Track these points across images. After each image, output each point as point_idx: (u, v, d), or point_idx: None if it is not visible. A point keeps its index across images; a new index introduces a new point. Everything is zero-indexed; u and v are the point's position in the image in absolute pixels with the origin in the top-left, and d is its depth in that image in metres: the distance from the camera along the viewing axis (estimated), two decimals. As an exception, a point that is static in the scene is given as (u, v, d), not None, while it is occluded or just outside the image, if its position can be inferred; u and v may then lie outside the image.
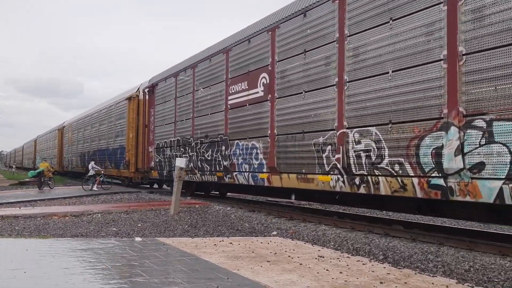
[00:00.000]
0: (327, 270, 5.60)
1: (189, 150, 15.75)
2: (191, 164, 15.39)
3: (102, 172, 22.68)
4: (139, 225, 10.21)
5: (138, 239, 7.89)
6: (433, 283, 5.02)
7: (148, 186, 24.84)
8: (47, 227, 9.97)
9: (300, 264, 5.95)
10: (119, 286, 4.58)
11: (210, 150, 14.31)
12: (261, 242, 7.74)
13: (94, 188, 20.86)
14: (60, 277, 4.91)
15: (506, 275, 5.69)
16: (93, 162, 22.66)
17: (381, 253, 7.12)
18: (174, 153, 17.00)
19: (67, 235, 8.87)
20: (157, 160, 18.94)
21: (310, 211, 12.93)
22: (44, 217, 11.52)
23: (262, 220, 10.80)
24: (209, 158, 14.37)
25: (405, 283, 5.02)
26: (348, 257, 6.60)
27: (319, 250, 7.09)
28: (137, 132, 21.81)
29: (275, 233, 9.34)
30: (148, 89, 20.53)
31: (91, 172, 21.66)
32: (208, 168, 14.44)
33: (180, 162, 12.56)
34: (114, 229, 9.71)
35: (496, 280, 5.56)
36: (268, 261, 6.05)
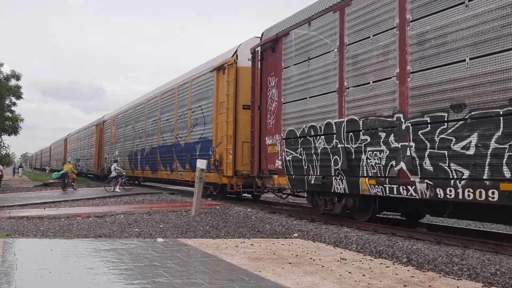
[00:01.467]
0: (349, 272, 5.54)
1: (394, 139, 8.45)
2: (404, 165, 8.21)
3: (124, 173, 22.93)
4: (161, 226, 10.28)
5: (160, 239, 7.95)
6: (458, 286, 4.93)
7: (251, 197, 17.86)
8: (71, 227, 10.12)
9: (322, 266, 5.90)
10: (142, 287, 4.62)
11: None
12: (282, 244, 7.71)
13: (117, 189, 21.13)
14: (84, 277, 4.97)
15: (535, 279, 5.55)
16: (115, 164, 22.87)
17: (404, 256, 7.01)
18: (340, 145, 9.73)
19: (90, 236, 8.99)
20: (288, 159, 11.52)
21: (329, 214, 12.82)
22: (68, 217, 11.71)
23: (283, 222, 10.76)
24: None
25: (430, 286, 4.94)
26: (371, 259, 6.53)
27: (341, 253, 7.03)
28: (235, 117, 14.72)
29: (296, 235, 9.30)
30: (262, 47, 12.96)
31: (113, 174, 21.93)
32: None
33: (201, 164, 12.62)
34: (136, 229, 9.80)
35: (524, 284, 5.42)
36: (289, 263, 6.03)
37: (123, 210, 12.85)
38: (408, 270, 5.78)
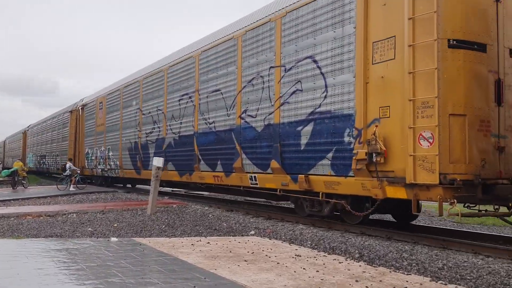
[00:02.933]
0: (304, 269, 5.64)
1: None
2: None
3: (78, 171, 22.32)
4: (115, 225, 10.10)
5: (114, 239, 7.80)
6: (407, 281, 5.10)
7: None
8: (20, 227, 9.77)
9: (278, 263, 5.97)
10: (94, 287, 4.53)
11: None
12: (239, 242, 7.74)
13: (71, 188, 20.53)
14: (33, 278, 4.82)
15: (478, 273, 5.83)
16: (70, 163, 22.17)
17: (357, 251, 7.20)
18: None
19: (41, 235, 8.72)
20: None
21: (288, 210, 12.99)
22: (17, 217, 11.29)
23: (240, 220, 10.81)
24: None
25: (380, 281, 5.10)
26: (324, 255, 6.66)
27: (296, 249, 7.13)
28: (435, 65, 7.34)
29: (253, 232, 9.36)
30: None
31: (67, 172, 21.29)
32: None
33: (158, 162, 12.47)
34: (89, 229, 9.58)
35: (468, 278, 5.69)
36: (245, 261, 6.06)
37: (76, 209, 12.52)
38: (360, 266, 5.94)
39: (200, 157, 13.58)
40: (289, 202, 14.35)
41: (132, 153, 18.76)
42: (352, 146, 8.49)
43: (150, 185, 16.79)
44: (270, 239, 8.39)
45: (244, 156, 11.58)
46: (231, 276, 5.16)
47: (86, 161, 25.27)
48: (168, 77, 15.97)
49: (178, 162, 14.99)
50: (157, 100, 16.76)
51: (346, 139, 8.65)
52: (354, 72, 8.55)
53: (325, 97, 9.23)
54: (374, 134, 7.94)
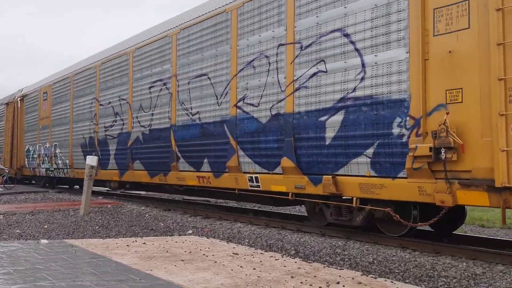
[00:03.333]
0: (241, 266, 5.69)
1: None
2: None
3: (6, 171, 21.12)
4: (46, 226, 9.67)
5: (44, 241, 7.47)
6: (340, 276, 5.29)
7: None
8: None
9: (215, 262, 5.98)
10: (22, 292, 4.32)
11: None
12: (176, 241, 7.67)
13: None
14: (-47, 285, 4.52)
15: (406, 266, 6.15)
16: None
17: (292, 248, 7.36)
18: None
19: (-38, 239, 8.18)
20: None
21: (226, 209, 13.03)
22: None
23: (178, 219, 10.70)
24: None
25: (315, 276, 5.24)
26: (261, 253, 6.75)
27: (234, 248, 7.17)
28: None
29: (190, 231, 9.30)
30: None
31: None
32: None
33: (91, 160, 12.07)
34: (17, 231, 9.11)
35: (396, 271, 5.98)
36: (182, 260, 6.02)
37: (3, 210, 11.85)
38: (295, 262, 6.08)
39: (179, 155, 11.53)
40: (225, 201, 14.57)
41: (86, 150, 16.27)
42: (404, 139, 6.80)
43: (106, 187, 16.56)
44: (208, 238, 8.38)
45: (241, 153, 9.62)
46: (167, 276, 5.10)
47: (26, 159, 22.43)
48: (134, 61, 13.75)
49: (148, 160, 12.78)
50: (120, 88, 14.47)
51: (396, 130, 6.93)
52: (407, 46, 6.84)
53: (362, 79, 7.43)
54: (444, 123, 6.23)
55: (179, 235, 8.92)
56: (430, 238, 7.96)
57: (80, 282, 4.74)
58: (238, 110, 9.76)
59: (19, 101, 23.58)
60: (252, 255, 6.55)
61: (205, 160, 10.69)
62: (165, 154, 12.00)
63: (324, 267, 5.84)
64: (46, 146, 20.19)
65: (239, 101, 9.77)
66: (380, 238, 7.84)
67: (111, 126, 14.87)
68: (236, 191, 9.95)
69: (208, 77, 10.77)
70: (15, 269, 5.26)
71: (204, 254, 6.51)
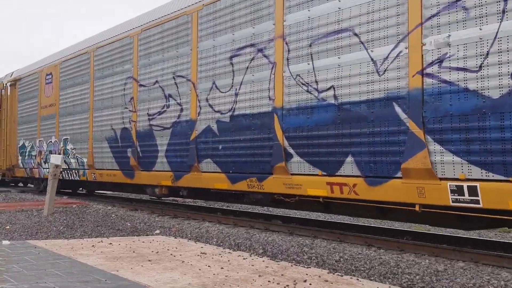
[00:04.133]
0: (209, 266, 5.68)
1: None
2: None
3: None
4: (7, 227, 9.39)
5: (5, 242, 7.26)
6: (307, 274, 5.35)
7: None
8: None
9: (183, 261, 5.95)
10: (-18, 295, 4.20)
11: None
12: (143, 242, 7.59)
13: None
14: None
15: (371, 264, 6.27)
16: None
17: (260, 247, 7.40)
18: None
19: None
20: None
21: (195, 208, 12.97)
22: None
23: (145, 219, 10.58)
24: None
25: (282, 275, 5.29)
26: (229, 252, 6.76)
27: (202, 247, 7.15)
28: None
29: (158, 231, 9.22)
30: None
31: None
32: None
33: (56, 159, 11.79)
34: (-23, 232, 8.82)
35: (362, 268, 6.10)
36: (149, 261, 5.97)
37: (-39, 211, 11.44)
38: (263, 261, 6.11)
39: (290, 150, 8.11)
40: (193, 200, 14.39)
41: (117, 145, 12.60)
42: None
43: (147, 194, 12.63)
44: (175, 238, 8.32)
45: (436, 147, 6.29)
46: (133, 277, 5.05)
47: (20, 157, 18.55)
48: (201, 22, 10.08)
49: (229, 159, 9.30)
50: (175, 61, 10.84)
51: None
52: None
53: None
54: None
55: (146, 235, 8.83)
56: (394, 235, 8.15)
57: (44, 283, 4.63)
58: (429, 80, 6.33)
59: (8, 87, 19.41)
60: (220, 254, 6.55)
61: (348, 159, 7.25)
62: (263, 150, 8.59)
63: (291, 265, 5.90)
64: (51, 141, 16.18)
65: (431, 64, 6.31)
66: (346, 236, 7.97)
67: (160, 113, 11.10)
68: (417, 209, 6.53)
69: (353, 32, 7.21)
70: (-25, 271, 5.10)
71: (171, 254, 6.46)
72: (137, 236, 8.66)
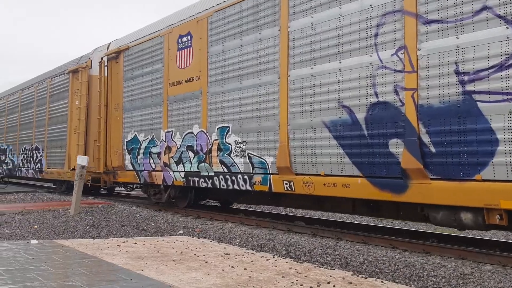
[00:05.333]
0: (232, 267, 5.70)
1: None
2: None
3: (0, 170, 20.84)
4: (35, 226, 9.61)
5: (34, 241, 7.43)
6: (330, 276, 5.31)
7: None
8: None
9: (206, 262, 5.99)
10: (12, 292, 4.30)
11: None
12: (167, 242, 7.66)
13: None
14: None
15: (396, 266, 6.19)
16: None
17: (284, 248, 7.38)
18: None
19: (-49, 240, 8.11)
20: None
21: (217, 209, 13.02)
22: None
23: (169, 219, 10.68)
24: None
25: (305, 276, 5.27)
26: (252, 253, 6.77)
27: (225, 248, 7.18)
28: None
29: (181, 232, 9.29)
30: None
31: None
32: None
33: (82, 160, 12.01)
34: (7, 231, 9.05)
35: (387, 271, 6.03)
36: (173, 260, 6.02)
37: (-8, 211, 11.76)
38: (286, 262, 6.10)
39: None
40: (215, 201, 13.69)
41: (354, 133, 7.60)
42: None
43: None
44: (199, 238, 8.38)
45: None
46: (158, 276, 5.10)
47: (127, 156, 13.50)
48: None
49: None
50: None
51: None
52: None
53: None
54: None
55: (170, 235, 8.92)
56: (420, 237, 8.03)
57: (71, 282, 4.72)
58: None
59: (105, 62, 14.67)
60: (243, 255, 6.56)
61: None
62: None
63: (315, 267, 5.87)
64: (191, 132, 11.19)
65: None
66: (370, 238, 7.89)
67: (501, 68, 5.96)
68: None
69: None
70: (5, 269, 5.23)
71: (195, 254, 6.51)
72: (161, 236, 8.75)
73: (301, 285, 4.84)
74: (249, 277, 5.18)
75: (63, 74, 17.50)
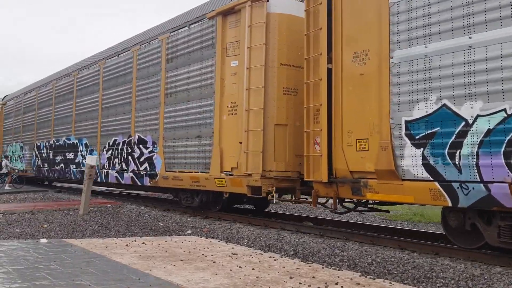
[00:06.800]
0: (240, 267, 5.70)
1: None
2: None
3: (16, 170, 21.04)
4: (45, 226, 9.68)
5: (43, 240, 7.48)
6: (338, 277, 5.30)
7: None
8: None
9: (214, 262, 5.99)
10: (21, 291, 4.34)
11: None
12: (175, 241, 7.68)
13: (6, 187, 19.36)
14: (-47, 284, 4.53)
15: (404, 267, 6.16)
16: (6, 160, 20.81)
17: (291, 249, 7.37)
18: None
19: (-38, 238, 8.20)
20: None
21: (225, 209, 13.01)
22: None
23: (177, 219, 10.71)
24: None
25: (313, 277, 5.26)
26: (260, 253, 6.76)
27: (232, 248, 7.18)
28: None
29: (189, 232, 9.31)
30: None
31: (4, 170, 20.08)
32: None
33: (91, 160, 12.09)
34: (17, 230, 9.13)
35: (395, 272, 6.00)
36: (181, 260, 6.03)
37: (2, 209, 11.87)
38: (294, 263, 6.09)
39: None
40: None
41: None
42: None
43: None
44: (207, 238, 8.39)
45: None
46: (166, 276, 5.12)
47: (409, 151, 6.78)
48: None
49: None
50: None
51: None
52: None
53: None
54: None
55: (178, 235, 8.94)
56: (429, 239, 7.98)
57: (80, 281, 4.75)
58: None
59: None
60: (251, 255, 6.56)
61: None
62: None
63: (323, 267, 5.85)
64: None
65: None
66: (379, 239, 7.85)
67: None
68: None
69: None
70: (15, 268, 5.28)
71: (203, 254, 6.52)
72: (169, 236, 8.77)
73: (308, 285, 4.83)
74: (257, 277, 5.18)
75: (200, 22, 11.06)
